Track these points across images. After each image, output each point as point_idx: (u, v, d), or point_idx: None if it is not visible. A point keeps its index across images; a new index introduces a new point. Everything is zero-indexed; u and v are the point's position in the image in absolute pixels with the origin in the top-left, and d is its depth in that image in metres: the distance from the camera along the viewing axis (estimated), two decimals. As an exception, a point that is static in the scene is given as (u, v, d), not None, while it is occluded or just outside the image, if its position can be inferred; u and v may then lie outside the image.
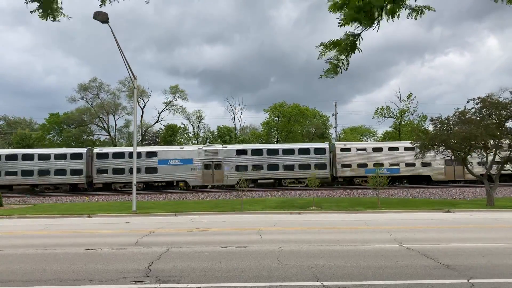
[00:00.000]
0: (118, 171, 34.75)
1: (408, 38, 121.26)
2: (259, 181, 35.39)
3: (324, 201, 23.90)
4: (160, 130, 60.45)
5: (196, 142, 62.33)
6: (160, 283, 6.47)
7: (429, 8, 4.72)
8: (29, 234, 13.36)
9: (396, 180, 34.71)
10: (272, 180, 35.37)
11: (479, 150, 22.24)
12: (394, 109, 57.40)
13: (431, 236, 11.33)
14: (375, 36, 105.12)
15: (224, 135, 57.31)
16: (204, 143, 61.13)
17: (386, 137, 60.37)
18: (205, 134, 64.56)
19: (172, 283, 6.49)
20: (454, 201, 24.88)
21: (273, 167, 34.73)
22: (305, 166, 34.37)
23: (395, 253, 8.58)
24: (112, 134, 59.32)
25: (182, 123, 63.97)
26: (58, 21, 4.80)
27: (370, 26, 4.86)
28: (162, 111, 59.88)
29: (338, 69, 5.29)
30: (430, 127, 24.58)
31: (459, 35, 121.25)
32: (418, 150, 23.48)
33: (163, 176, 34.94)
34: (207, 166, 34.89)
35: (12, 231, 14.17)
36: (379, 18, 4.78)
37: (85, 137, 57.97)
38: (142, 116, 57.89)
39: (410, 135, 42.57)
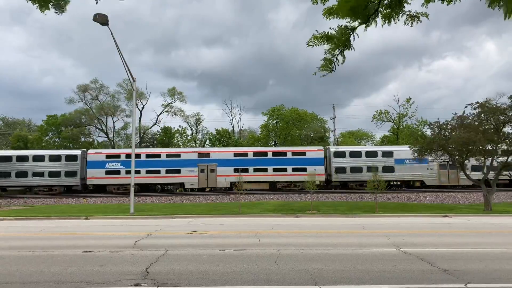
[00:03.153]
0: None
1: (405, 42, 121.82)
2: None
3: (322, 205, 23.92)
4: (158, 133, 60.44)
5: (194, 144, 62.29)
6: (158, 286, 6.46)
7: (425, 15, 4.74)
8: (27, 235, 13.31)
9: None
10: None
11: (476, 155, 22.33)
12: (393, 113, 57.59)
13: (428, 240, 11.35)
14: (373, 40, 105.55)
15: (227, 138, 57.25)
16: (203, 146, 61.11)
17: (384, 141, 60.50)
18: (204, 137, 64.57)
19: (170, 286, 6.48)
20: (451, 205, 24.92)
21: (22, 174, 35.04)
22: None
23: (392, 257, 8.59)
24: (110, 136, 59.27)
25: (180, 126, 64.00)
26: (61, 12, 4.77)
27: (366, 23, 4.85)
28: (160, 113, 60.00)
29: (332, 65, 5.21)
30: (428, 132, 24.70)
31: (457, 39, 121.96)
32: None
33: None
34: None
35: (9, 232, 14.12)
36: (373, 16, 4.77)
37: (83, 138, 57.88)
38: (140, 118, 57.90)
39: (408, 140, 42.71)
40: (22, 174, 34.96)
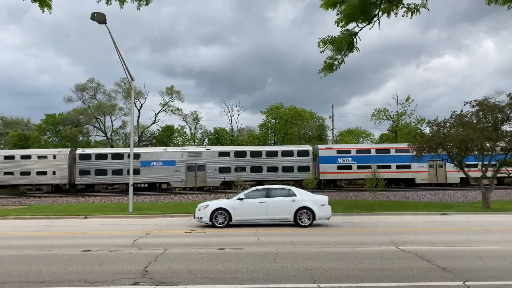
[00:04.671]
0: None
1: (403, 40, 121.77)
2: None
3: (320, 203, 23.90)
4: (157, 131, 60.38)
5: (193, 143, 62.22)
6: (156, 285, 6.46)
7: (424, 6, 4.75)
8: (25, 235, 13.29)
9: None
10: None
11: (475, 152, 22.37)
12: (391, 111, 57.60)
13: (427, 238, 11.37)
14: (371, 38, 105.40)
15: (222, 138, 57.23)
16: (202, 144, 61.06)
17: (383, 139, 60.53)
18: (202, 136, 64.48)
19: (168, 285, 6.48)
20: (450, 203, 24.98)
21: (256, 169, 35.23)
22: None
23: (391, 255, 8.60)
24: (108, 135, 59.17)
25: (179, 125, 63.85)
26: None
27: (368, 23, 4.87)
28: (158, 112, 59.81)
29: (334, 67, 5.28)
30: (427, 130, 24.73)
31: (455, 37, 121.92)
32: None
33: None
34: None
35: (7, 232, 14.09)
36: (378, 15, 4.79)
37: (81, 138, 57.76)
38: (138, 117, 57.79)
39: (406, 138, 42.75)
40: (256, 169, 35.13)
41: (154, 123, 60.01)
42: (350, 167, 34.95)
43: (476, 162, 24.23)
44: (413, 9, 4.75)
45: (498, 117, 21.34)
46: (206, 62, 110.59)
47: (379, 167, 32.42)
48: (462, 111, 22.67)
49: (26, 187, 34.81)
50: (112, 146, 53.60)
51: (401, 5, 4.74)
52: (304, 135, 60.90)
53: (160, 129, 59.74)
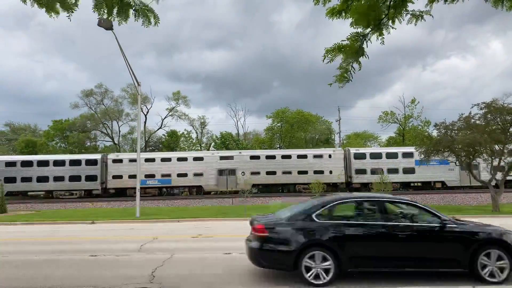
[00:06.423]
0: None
1: (409, 41, 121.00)
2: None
3: (328, 207, 23.80)
4: (164, 136, 60.68)
5: (199, 148, 62.39)
6: (163, 290, 6.45)
7: (429, 13, 4.74)
8: (34, 240, 13.38)
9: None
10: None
11: (484, 155, 22.13)
12: (399, 114, 57.30)
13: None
14: (376, 40, 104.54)
15: (229, 143, 57.34)
16: (208, 149, 61.19)
17: (390, 142, 60.20)
18: (209, 140, 64.66)
19: (175, 290, 6.46)
20: (459, 206, 24.72)
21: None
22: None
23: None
24: (116, 140, 59.57)
25: (185, 129, 64.11)
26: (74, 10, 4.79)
27: (376, 29, 4.84)
28: (165, 117, 60.14)
29: (349, 74, 5.18)
30: (435, 133, 24.52)
31: (462, 38, 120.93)
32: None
33: None
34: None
35: (16, 237, 14.20)
36: (385, 21, 4.77)
37: (88, 143, 58.19)
38: (145, 122, 58.16)
39: (414, 141, 42.45)
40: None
41: (160, 128, 60.40)
42: None
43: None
44: (417, 16, 4.74)
45: (507, 119, 21.10)
46: (212, 66, 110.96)
47: None
48: (470, 113, 22.44)
49: (302, 186, 35.19)
50: (119, 151, 53.82)
51: (406, 12, 4.72)
52: (311, 139, 60.79)
53: (166, 134, 60.07)
